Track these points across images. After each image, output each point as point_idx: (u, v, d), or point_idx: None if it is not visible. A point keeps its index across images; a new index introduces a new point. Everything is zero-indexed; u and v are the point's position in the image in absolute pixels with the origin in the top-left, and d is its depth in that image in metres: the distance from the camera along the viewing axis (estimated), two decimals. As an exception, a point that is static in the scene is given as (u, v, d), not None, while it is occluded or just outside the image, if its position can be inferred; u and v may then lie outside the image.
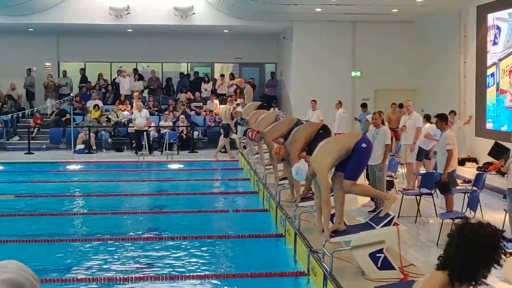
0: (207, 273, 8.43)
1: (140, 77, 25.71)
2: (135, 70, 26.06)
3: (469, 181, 13.56)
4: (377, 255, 6.88)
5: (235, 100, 24.06)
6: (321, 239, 7.43)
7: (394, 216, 7.14)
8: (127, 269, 8.52)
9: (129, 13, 22.56)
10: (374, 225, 7.08)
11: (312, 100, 19.99)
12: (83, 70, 26.30)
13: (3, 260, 2.14)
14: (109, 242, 9.74)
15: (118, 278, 8.00)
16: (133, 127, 21.99)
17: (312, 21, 22.40)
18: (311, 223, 9.02)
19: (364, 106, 18.93)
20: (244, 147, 18.78)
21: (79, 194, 14.66)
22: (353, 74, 23.22)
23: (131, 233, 10.54)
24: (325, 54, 22.89)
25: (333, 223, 7.49)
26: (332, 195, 7.53)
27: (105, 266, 8.64)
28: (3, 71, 24.99)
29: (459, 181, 12.30)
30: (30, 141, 21.87)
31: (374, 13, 20.75)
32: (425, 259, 8.42)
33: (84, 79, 26.00)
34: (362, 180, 10.44)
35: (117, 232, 10.56)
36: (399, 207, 10.90)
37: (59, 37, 25.73)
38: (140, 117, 21.53)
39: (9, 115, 22.85)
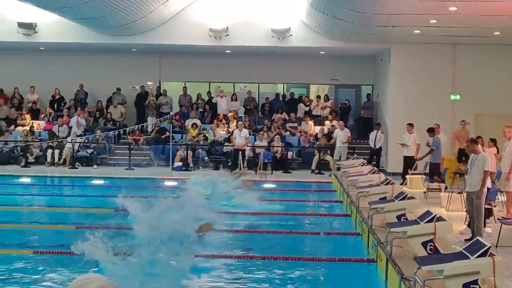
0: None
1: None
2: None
3: None
4: (472, 286, 6.70)
5: (330, 121, 24.12)
6: (413, 267, 7.31)
7: (490, 247, 6.94)
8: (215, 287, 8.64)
9: (228, 35, 23.08)
10: (469, 255, 6.91)
11: (408, 124, 19.71)
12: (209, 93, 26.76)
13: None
14: (200, 259, 9.86)
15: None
16: (229, 146, 22.42)
17: (411, 43, 22.13)
18: (403, 250, 8.89)
19: (431, 131, 18.31)
20: (338, 169, 18.72)
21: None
22: (453, 97, 22.72)
23: (223, 251, 10.68)
24: (424, 77, 22.54)
25: None
26: None
27: (196, 284, 8.78)
28: (107, 89, 26.07)
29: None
30: (131, 157, 22.68)
31: (475, 35, 20.26)
32: (523, 292, 8.11)
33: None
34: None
35: (209, 249, 10.70)
36: (497, 236, 10.56)
37: (161, 57, 26.58)
38: (239, 137, 21.93)
39: (111, 132, 23.78)
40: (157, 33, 23.31)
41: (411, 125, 19.71)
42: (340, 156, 21.64)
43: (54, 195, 17.48)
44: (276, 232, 12.35)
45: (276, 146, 22.91)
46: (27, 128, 24.15)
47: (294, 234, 12.23)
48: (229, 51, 25.20)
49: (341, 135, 22.24)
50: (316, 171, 22.00)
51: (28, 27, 23.28)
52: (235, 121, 24.33)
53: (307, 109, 25.78)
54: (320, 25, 21.73)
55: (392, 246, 8.85)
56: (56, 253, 10.23)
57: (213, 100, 26.09)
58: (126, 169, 22.09)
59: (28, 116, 25.14)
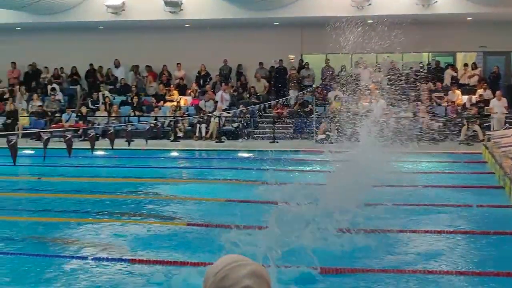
0: (448, 269, 8.21)
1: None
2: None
3: None
4: None
5: (484, 90, 23.14)
6: None
7: None
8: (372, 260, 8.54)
9: (370, 4, 22.67)
10: None
11: None
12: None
13: None
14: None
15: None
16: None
17: None
18: None
19: None
20: (488, 140, 17.93)
21: (314, 184, 14.80)
22: None
23: (368, 225, 10.30)
24: None
25: None
26: None
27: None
28: (250, 63, 26.46)
29: None
30: (275, 130, 22.99)
31: None
32: None
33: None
34: None
35: (354, 222, 10.30)
36: None
37: (302, 30, 26.52)
38: (376, 108, 21.60)
39: (256, 106, 24.16)
40: (298, 5, 23.30)
41: None
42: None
43: (202, 168, 18.11)
44: (425, 205, 12.00)
45: (421, 117, 22.28)
46: (175, 103, 25.11)
47: (444, 206, 11.86)
48: (372, 21, 24.66)
49: (499, 105, 21.43)
50: (465, 142, 21.21)
51: (174, 5, 24.07)
52: (377, 92, 23.91)
53: (449, 77, 24.77)
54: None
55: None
56: (208, 225, 10.51)
57: (355, 72, 25.75)
58: (270, 142, 22.41)
59: (175, 92, 26.13)
